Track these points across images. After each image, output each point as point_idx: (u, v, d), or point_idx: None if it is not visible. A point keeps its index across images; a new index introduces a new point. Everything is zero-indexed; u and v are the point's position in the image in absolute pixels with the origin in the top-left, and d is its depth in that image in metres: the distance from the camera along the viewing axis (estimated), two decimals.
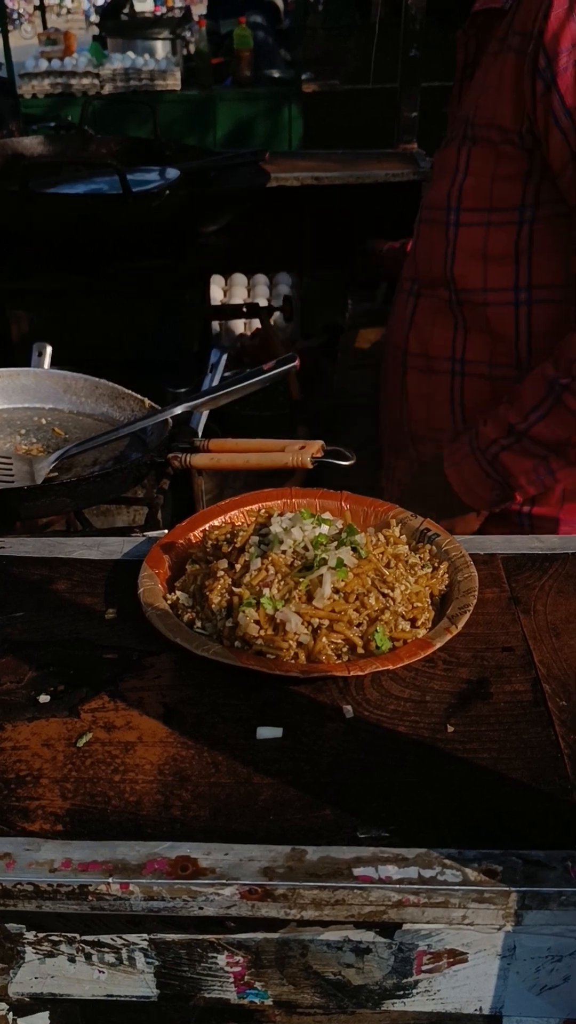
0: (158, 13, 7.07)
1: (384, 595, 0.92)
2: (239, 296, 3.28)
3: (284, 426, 2.57)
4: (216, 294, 3.27)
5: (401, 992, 0.75)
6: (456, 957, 0.73)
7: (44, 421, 1.63)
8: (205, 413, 2.02)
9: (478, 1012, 0.76)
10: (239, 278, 3.31)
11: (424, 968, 0.74)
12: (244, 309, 2.72)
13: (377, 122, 3.55)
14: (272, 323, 2.86)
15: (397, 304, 1.71)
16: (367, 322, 2.79)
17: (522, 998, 0.75)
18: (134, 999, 0.77)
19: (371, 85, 5.66)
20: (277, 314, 2.82)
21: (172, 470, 1.53)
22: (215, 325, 3.18)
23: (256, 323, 3.00)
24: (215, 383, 2.03)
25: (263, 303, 3.24)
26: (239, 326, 3.13)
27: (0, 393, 1.65)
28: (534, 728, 0.83)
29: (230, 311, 2.86)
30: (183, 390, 2.35)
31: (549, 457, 1.38)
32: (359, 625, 0.90)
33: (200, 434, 1.92)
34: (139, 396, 1.66)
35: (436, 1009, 0.76)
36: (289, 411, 2.63)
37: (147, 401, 1.66)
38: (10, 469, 1.38)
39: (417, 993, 0.75)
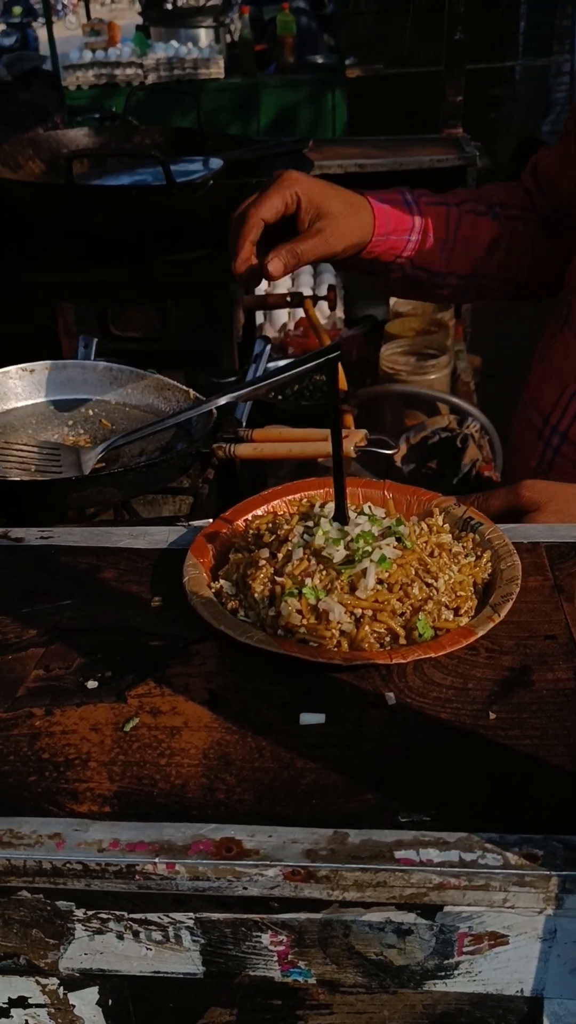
0: (201, 1, 7.07)
1: (428, 584, 0.93)
2: (283, 286, 3.28)
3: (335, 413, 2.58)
4: (260, 284, 3.28)
5: (443, 973, 0.77)
6: (497, 939, 0.74)
7: (91, 412, 1.65)
8: (249, 403, 2.03)
9: (519, 994, 0.77)
10: None
11: (465, 950, 0.75)
12: (288, 299, 2.73)
13: (423, 106, 3.53)
14: (316, 312, 2.86)
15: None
16: (410, 309, 2.78)
17: (563, 980, 0.76)
18: (180, 976, 0.79)
19: (414, 69, 5.63)
20: (321, 303, 2.83)
21: (216, 460, 1.55)
22: (259, 315, 3.19)
23: (301, 312, 3.01)
24: (259, 373, 2.04)
25: (307, 292, 3.24)
26: (283, 316, 3.14)
27: (48, 384, 1.68)
28: None
29: (273, 301, 2.87)
30: (228, 380, 2.37)
31: None
32: (402, 615, 0.91)
33: (244, 424, 1.94)
34: (184, 387, 1.68)
35: (477, 990, 0.77)
36: (338, 400, 2.64)
37: (192, 392, 1.68)
38: (58, 460, 1.41)
39: (459, 974, 0.76)
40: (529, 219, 1.65)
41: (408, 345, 2.56)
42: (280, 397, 2.60)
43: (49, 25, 5.80)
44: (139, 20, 6.66)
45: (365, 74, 5.90)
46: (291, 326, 3.08)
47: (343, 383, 2.42)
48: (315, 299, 2.75)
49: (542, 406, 1.46)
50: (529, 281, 1.69)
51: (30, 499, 1.42)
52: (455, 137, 3.18)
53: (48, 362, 1.69)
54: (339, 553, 0.91)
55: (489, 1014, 0.78)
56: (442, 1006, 0.79)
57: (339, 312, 3.17)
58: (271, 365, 2.85)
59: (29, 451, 1.44)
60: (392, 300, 2.88)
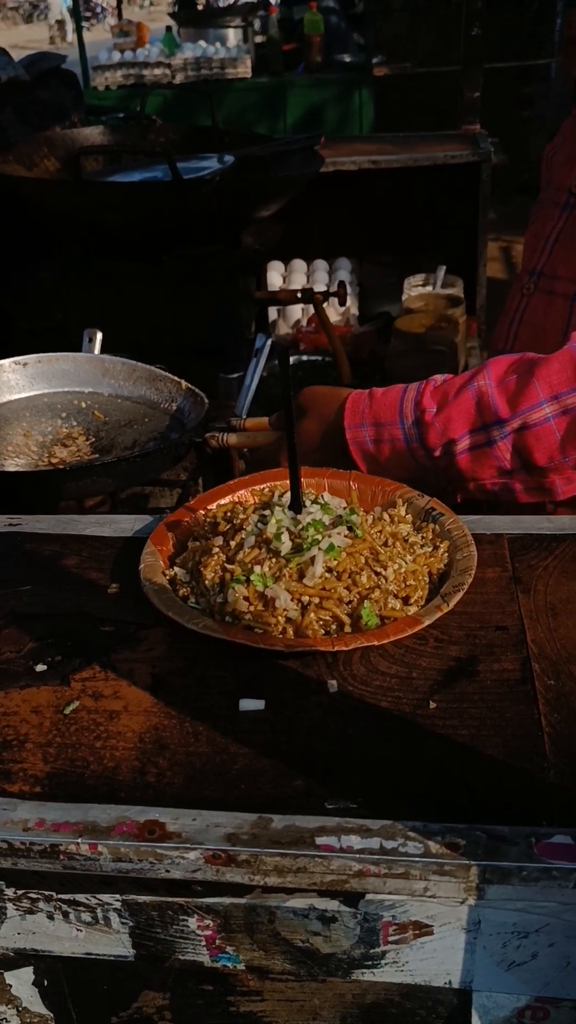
0: (232, 1, 7.09)
1: (377, 573, 0.93)
2: (298, 282, 3.28)
3: None
4: (275, 280, 3.29)
5: (370, 962, 0.76)
6: (422, 929, 0.73)
7: (84, 404, 1.67)
8: (250, 396, 2.03)
9: (447, 986, 0.76)
10: (298, 264, 3.32)
11: (391, 939, 0.74)
12: (298, 295, 2.73)
13: (450, 104, 3.51)
14: (327, 308, 2.86)
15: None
16: (422, 306, 2.76)
17: (491, 973, 0.75)
18: (112, 958, 0.79)
19: (442, 68, 5.60)
20: (332, 299, 2.82)
21: (209, 449, 1.56)
22: (272, 311, 3.19)
23: (313, 309, 3.00)
24: (260, 368, 2.04)
25: (321, 288, 3.24)
26: (297, 312, 3.14)
27: (40, 377, 1.70)
28: (518, 706, 0.82)
29: (284, 297, 2.87)
30: (234, 375, 2.37)
31: (518, 476, 1.08)
32: (349, 603, 0.91)
33: (245, 415, 1.94)
34: (176, 378, 1.69)
35: (405, 981, 0.77)
36: None
37: (184, 383, 1.69)
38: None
39: (385, 964, 0.76)
40: None
41: (416, 341, 2.54)
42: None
43: (79, 26, 5.86)
44: (171, 22, 6.71)
45: (392, 73, 5.87)
46: (304, 322, 3.08)
47: (347, 377, 2.41)
48: (326, 295, 2.75)
49: None
50: None
51: (26, 490, 1.44)
52: (471, 133, 3.16)
53: (40, 355, 1.71)
54: (286, 545, 0.91)
55: (419, 1005, 0.78)
56: (371, 996, 0.78)
57: (353, 309, 3.16)
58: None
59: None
60: (404, 296, 2.86)
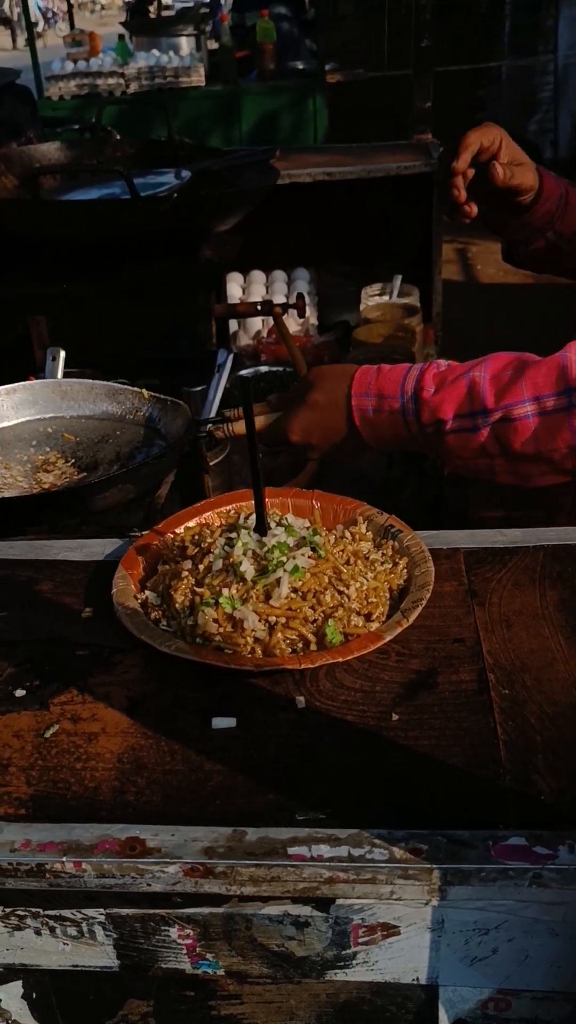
0: (188, 5, 7.11)
1: (340, 592, 0.97)
2: (257, 293, 3.32)
3: None
4: (234, 291, 3.33)
5: (342, 963, 0.81)
6: (389, 930, 0.78)
7: (50, 430, 1.68)
8: (214, 410, 2.07)
9: (415, 982, 0.81)
10: (257, 275, 3.36)
11: (361, 940, 0.79)
12: (258, 307, 2.77)
13: (403, 109, 3.57)
14: (287, 320, 2.90)
15: None
16: (380, 315, 2.82)
17: (455, 968, 0.80)
18: (97, 969, 0.83)
19: (391, 72, 5.67)
20: (292, 310, 2.87)
21: (217, 440, 1.59)
22: (233, 323, 3.23)
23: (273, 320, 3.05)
24: (223, 383, 2.08)
25: (281, 299, 3.29)
26: (257, 323, 3.18)
27: (1, 412, 1.71)
28: (475, 716, 0.88)
29: (244, 309, 2.91)
30: (198, 388, 2.41)
31: (497, 461, 1.13)
32: (314, 621, 0.95)
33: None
34: (135, 388, 1.72)
35: (376, 979, 0.81)
36: None
37: (146, 392, 1.72)
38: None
39: (356, 964, 0.81)
40: None
41: (375, 351, 2.59)
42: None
43: (31, 38, 5.85)
44: (123, 28, 6.71)
45: (345, 79, 5.93)
46: (264, 333, 3.12)
47: None
48: (285, 307, 2.79)
49: None
50: None
51: (51, 510, 1.45)
52: (424, 143, 3.22)
53: None
54: (250, 570, 0.95)
55: (389, 1002, 0.83)
56: (344, 995, 0.83)
57: (312, 319, 3.21)
58: (242, 373, 2.90)
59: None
60: (362, 307, 2.92)
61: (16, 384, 1.71)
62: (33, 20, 5.85)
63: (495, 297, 5.91)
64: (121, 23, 6.78)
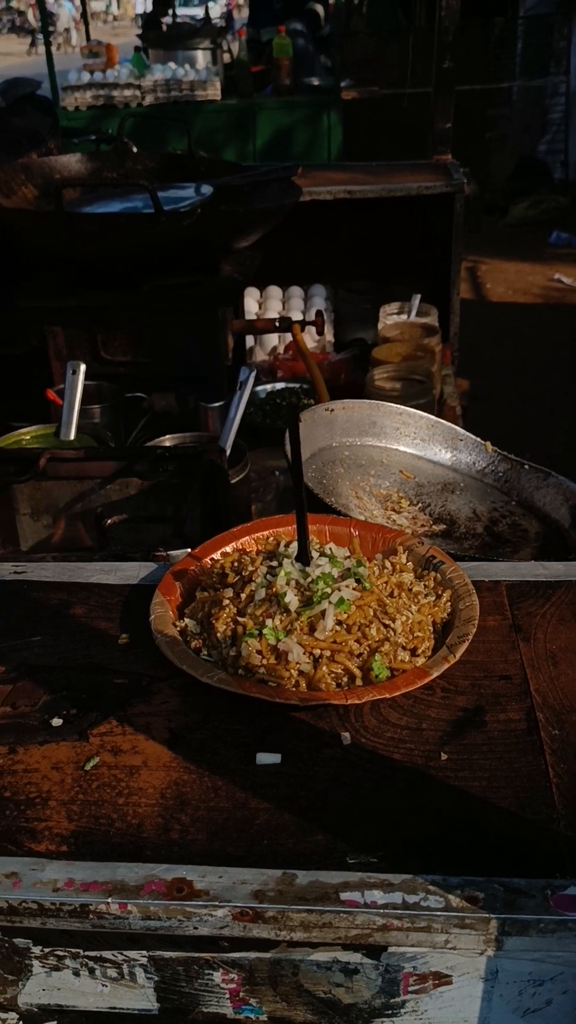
0: (200, 18, 7.14)
1: (385, 626, 0.95)
2: (274, 309, 3.32)
3: None
4: (251, 307, 3.32)
5: (390, 1011, 0.78)
6: (441, 979, 0.76)
7: (385, 460, 1.57)
8: (234, 430, 2.06)
9: None
10: (274, 291, 3.35)
11: (411, 989, 0.77)
12: (276, 323, 2.76)
13: (418, 126, 3.57)
14: (304, 336, 2.89)
15: None
16: (398, 334, 2.81)
17: (507, 1020, 0.78)
18: (136, 1012, 0.81)
19: (409, 90, 5.69)
20: (310, 327, 2.86)
21: None
22: (250, 338, 3.22)
23: (291, 336, 3.04)
24: (244, 401, 2.07)
25: (297, 316, 3.28)
26: (274, 339, 3.17)
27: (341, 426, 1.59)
28: (525, 757, 0.86)
29: (262, 325, 2.90)
30: (216, 405, 2.40)
31: None
32: (360, 655, 0.93)
33: (228, 451, 1.96)
34: (476, 438, 1.57)
35: None
36: None
37: (489, 446, 1.57)
38: None
39: (405, 1013, 0.78)
40: None
41: (394, 371, 2.58)
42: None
43: (48, 49, 5.86)
44: (139, 41, 6.73)
45: (360, 96, 5.95)
46: (281, 350, 3.11)
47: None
48: (303, 324, 2.78)
49: None
50: None
51: None
52: (444, 163, 3.22)
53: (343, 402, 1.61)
54: (294, 601, 0.94)
55: None
56: None
57: (329, 336, 3.20)
58: (259, 388, 2.89)
59: None
60: (380, 325, 2.90)
61: (355, 400, 1.59)
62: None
63: (505, 316, 5.91)
64: (137, 35, 6.80)
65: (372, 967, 0.76)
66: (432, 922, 0.72)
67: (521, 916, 0.71)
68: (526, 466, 1.50)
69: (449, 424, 1.57)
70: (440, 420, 1.56)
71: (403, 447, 1.53)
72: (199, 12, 8.73)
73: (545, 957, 0.74)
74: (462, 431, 1.58)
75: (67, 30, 19.40)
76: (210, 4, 8.91)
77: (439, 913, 0.72)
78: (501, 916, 0.71)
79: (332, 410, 1.53)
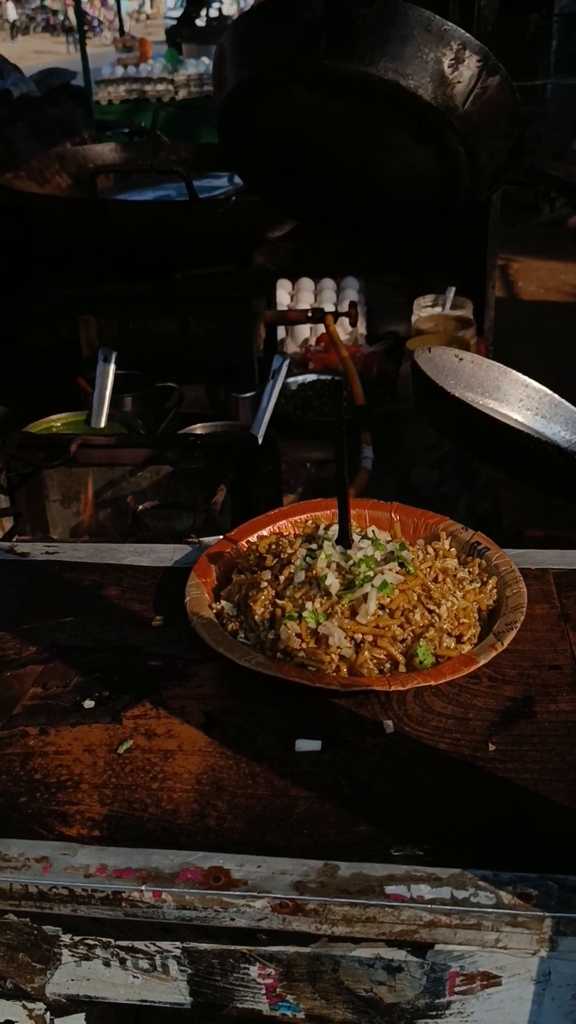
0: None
1: (430, 611, 0.92)
2: (305, 300, 3.28)
3: (348, 432, 2.58)
4: (283, 298, 3.28)
5: (434, 1012, 0.75)
6: (490, 980, 0.72)
7: None
8: (267, 419, 2.03)
9: None
10: (306, 282, 3.32)
11: (457, 989, 0.73)
12: (309, 314, 2.73)
13: None
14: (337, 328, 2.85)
15: None
16: (432, 327, 2.77)
17: None
18: (167, 1005, 0.78)
19: None
20: (343, 319, 2.82)
21: None
22: (281, 330, 3.19)
23: (322, 328, 3.00)
24: (276, 389, 2.03)
25: (329, 307, 3.24)
26: (305, 331, 3.13)
27: None
28: None
29: (295, 316, 2.87)
30: (247, 395, 2.37)
31: None
32: (403, 641, 0.90)
33: (260, 440, 1.94)
34: None
35: None
36: (353, 417, 2.63)
37: None
38: None
39: (450, 1014, 0.74)
40: None
41: None
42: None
43: (82, 41, 5.86)
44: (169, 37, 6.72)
45: None
46: (312, 341, 3.08)
47: (360, 398, 2.41)
48: (336, 315, 2.74)
49: None
50: None
51: None
52: None
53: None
54: (335, 584, 0.90)
55: None
56: None
57: (361, 328, 3.16)
58: (290, 380, 2.85)
59: None
60: (414, 317, 2.86)
61: (485, 359, 1.52)
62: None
63: (537, 315, 5.84)
64: (167, 30, 6.79)
65: (417, 965, 0.72)
66: (482, 919, 0.68)
67: None
68: None
69: (573, 407, 1.48)
70: (563, 401, 1.48)
71: (522, 418, 1.46)
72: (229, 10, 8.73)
73: None
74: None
75: (100, 23, 19.52)
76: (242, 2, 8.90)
77: (490, 910, 0.68)
78: (556, 915, 0.67)
79: (461, 359, 1.47)
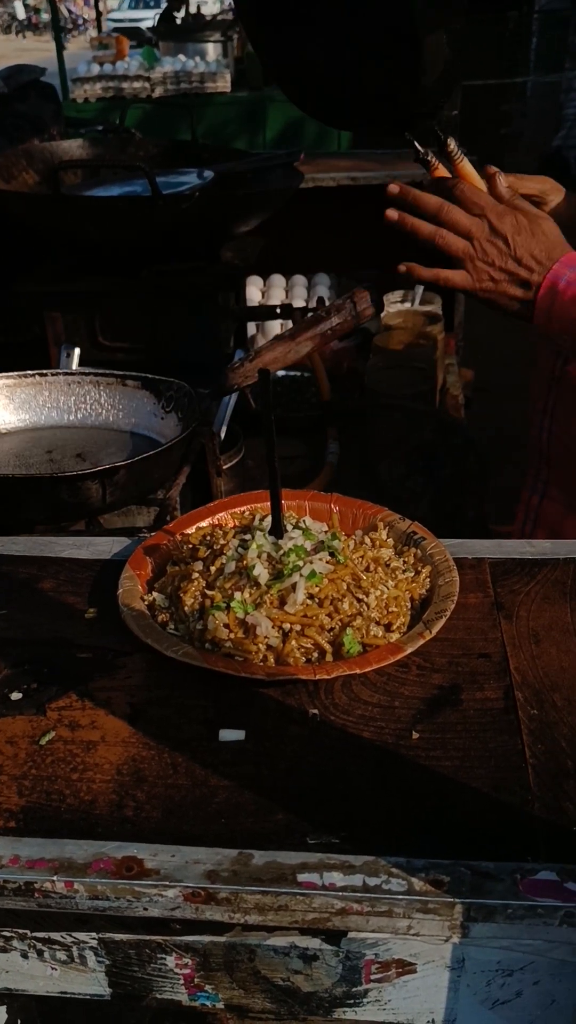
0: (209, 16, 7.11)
1: (359, 600, 0.92)
2: (276, 297, 3.28)
3: (314, 427, 2.57)
4: (253, 295, 3.28)
5: (352, 1001, 0.75)
6: (404, 967, 0.72)
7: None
8: (229, 413, 2.02)
9: None
10: (277, 279, 3.32)
11: (373, 977, 0.73)
12: (278, 311, 2.72)
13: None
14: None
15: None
16: (401, 322, 2.77)
17: (475, 1012, 0.74)
18: (87, 996, 0.77)
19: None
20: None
21: (237, 386, 1.53)
22: (251, 327, 3.18)
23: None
24: None
25: (300, 304, 3.23)
26: (276, 327, 3.13)
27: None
28: (501, 736, 0.81)
29: (263, 312, 2.86)
30: (207, 391, 2.36)
31: None
32: (331, 630, 0.89)
33: (223, 437, 1.94)
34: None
35: (388, 1020, 0.75)
36: (319, 412, 2.63)
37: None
38: None
39: (368, 1002, 0.74)
40: None
41: (394, 359, 2.54)
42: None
43: (58, 38, 5.86)
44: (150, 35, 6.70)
45: None
46: None
47: (327, 394, 2.41)
48: (305, 311, 2.74)
49: None
50: None
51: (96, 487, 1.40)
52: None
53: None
54: (264, 574, 0.90)
55: None
56: None
57: None
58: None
59: None
60: (383, 314, 2.86)
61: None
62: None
63: None
64: (148, 28, 6.78)
65: (332, 953, 0.72)
66: (393, 906, 0.68)
67: (488, 901, 0.67)
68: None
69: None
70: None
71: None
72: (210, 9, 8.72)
73: (514, 945, 0.69)
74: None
75: (84, 21, 19.44)
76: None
77: (400, 897, 0.68)
78: (467, 901, 0.67)
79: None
